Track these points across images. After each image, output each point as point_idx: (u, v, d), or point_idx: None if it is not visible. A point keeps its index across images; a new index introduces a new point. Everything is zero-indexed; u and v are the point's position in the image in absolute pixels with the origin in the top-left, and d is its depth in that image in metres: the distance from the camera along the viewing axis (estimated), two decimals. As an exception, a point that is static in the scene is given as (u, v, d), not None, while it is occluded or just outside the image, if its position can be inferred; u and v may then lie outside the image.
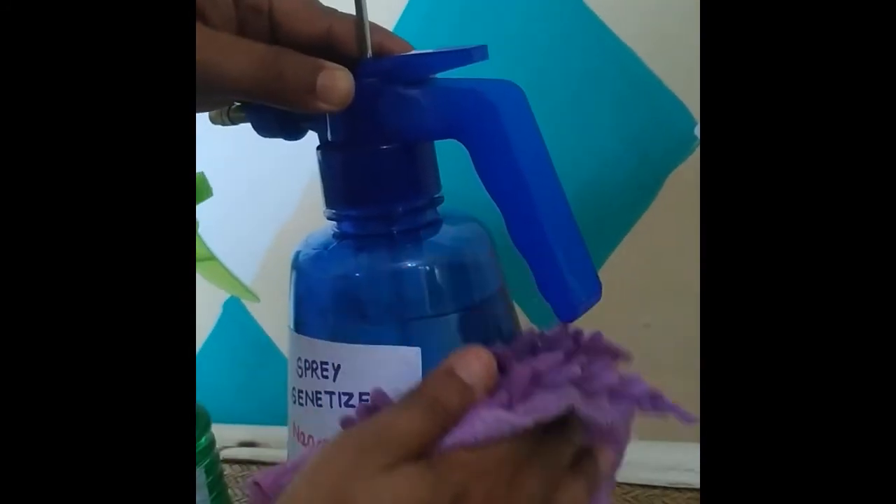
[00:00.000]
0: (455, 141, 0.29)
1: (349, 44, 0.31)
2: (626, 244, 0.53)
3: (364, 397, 0.30)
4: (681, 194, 0.51)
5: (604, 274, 0.30)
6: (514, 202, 0.28)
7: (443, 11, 0.53)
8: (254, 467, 0.59)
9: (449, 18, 0.53)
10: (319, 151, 0.32)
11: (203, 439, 0.45)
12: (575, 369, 0.27)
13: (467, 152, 0.29)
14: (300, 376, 0.32)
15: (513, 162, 0.28)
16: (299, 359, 0.32)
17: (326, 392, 0.31)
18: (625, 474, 0.49)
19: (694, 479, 0.49)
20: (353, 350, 0.31)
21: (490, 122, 0.28)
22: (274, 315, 0.64)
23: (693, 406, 0.25)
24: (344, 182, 0.32)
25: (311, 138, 0.33)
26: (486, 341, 0.33)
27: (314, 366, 0.32)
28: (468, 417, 0.25)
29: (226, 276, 0.49)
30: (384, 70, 0.30)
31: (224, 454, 0.58)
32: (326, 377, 0.31)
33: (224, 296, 0.65)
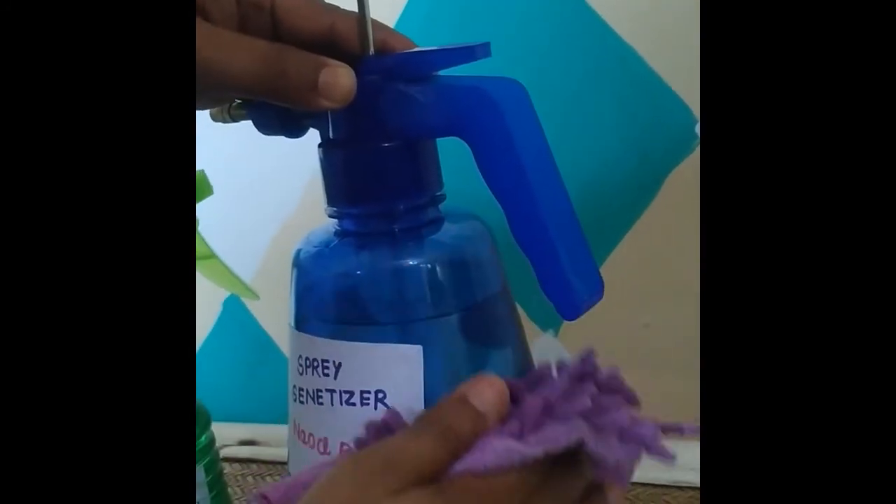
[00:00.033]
0: (456, 138, 0.29)
1: (351, 41, 0.31)
2: (626, 243, 0.53)
3: (365, 395, 0.30)
4: (681, 193, 0.51)
5: (604, 273, 0.30)
6: (516, 200, 0.28)
7: (444, 9, 0.53)
8: (254, 466, 0.59)
9: (450, 16, 0.53)
10: (321, 149, 0.32)
11: (203, 438, 0.45)
12: (585, 401, 0.27)
13: (469, 150, 0.29)
14: (301, 374, 0.32)
15: (515, 159, 0.28)
16: (300, 357, 0.32)
17: (327, 390, 0.31)
18: (626, 473, 0.49)
19: (696, 478, 0.49)
20: (354, 348, 0.31)
21: (493, 120, 0.28)
22: (274, 313, 0.64)
23: (693, 405, 0.25)
24: (345, 180, 0.32)
25: (313, 136, 0.33)
26: (488, 339, 0.33)
27: (315, 364, 0.31)
28: (479, 445, 0.25)
29: (226, 275, 0.49)
30: (386, 67, 0.30)
31: (224, 452, 0.58)
32: (327, 375, 0.31)
33: (224, 294, 0.65)
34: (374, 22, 0.31)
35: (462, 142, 0.29)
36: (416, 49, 0.31)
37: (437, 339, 0.31)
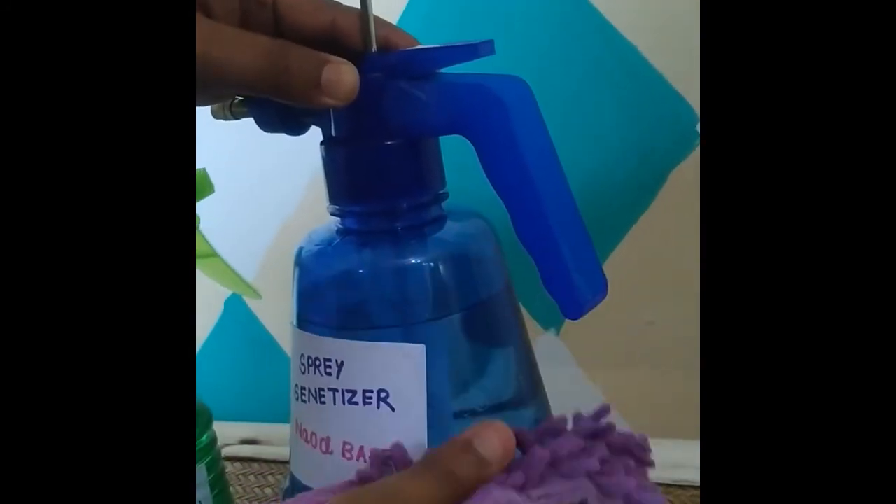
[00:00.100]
0: (459, 136, 0.29)
1: (353, 38, 0.31)
2: (628, 241, 0.53)
3: (368, 394, 0.30)
4: (684, 190, 0.51)
5: (607, 271, 0.30)
6: (520, 198, 0.28)
7: (446, 6, 0.53)
8: (255, 465, 0.59)
9: (451, 14, 0.53)
10: (323, 146, 0.32)
11: (204, 437, 0.45)
12: (594, 462, 0.26)
13: (472, 147, 0.29)
14: (303, 373, 0.32)
15: (519, 158, 0.28)
16: (302, 355, 0.32)
17: (330, 389, 0.31)
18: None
19: (697, 477, 0.49)
20: (356, 347, 0.31)
21: (497, 118, 0.28)
22: (276, 312, 0.64)
23: (696, 402, 0.25)
24: (347, 178, 0.32)
25: (315, 133, 0.33)
26: (491, 338, 0.33)
27: (317, 362, 0.31)
28: (480, 493, 0.25)
29: (228, 273, 0.49)
30: (389, 65, 0.30)
31: (226, 452, 0.58)
32: (330, 374, 0.31)
33: (226, 293, 0.65)
34: (377, 19, 0.31)
35: (465, 139, 0.29)
36: (418, 46, 0.31)
37: (440, 337, 0.31)
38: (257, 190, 0.62)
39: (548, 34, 0.51)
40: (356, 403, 0.30)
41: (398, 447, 0.27)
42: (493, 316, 0.33)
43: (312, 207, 0.60)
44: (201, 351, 0.67)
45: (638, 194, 0.52)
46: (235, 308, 0.66)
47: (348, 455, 0.31)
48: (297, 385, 0.33)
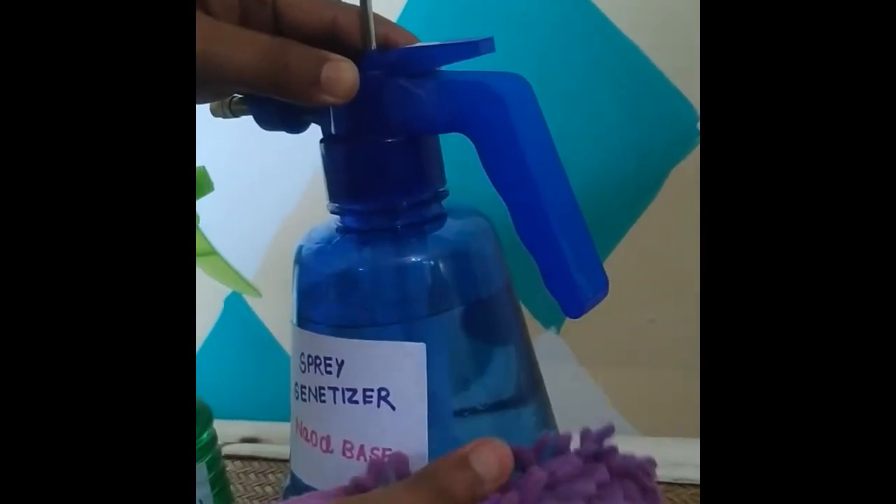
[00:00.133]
0: (459, 134, 0.29)
1: (353, 35, 0.31)
2: (629, 239, 0.53)
3: (368, 393, 0.30)
4: (684, 188, 0.51)
5: (607, 269, 0.30)
6: (520, 196, 0.28)
7: (446, 4, 0.53)
8: (256, 463, 0.59)
9: (451, 12, 0.53)
10: (322, 145, 0.32)
11: (205, 435, 0.45)
12: (591, 486, 0.26)
13: (472, 145, 0.29)
14: (303, 371, 0.32)
15: (520, 155, 0.28)
16: (302, 354, 0.32)
17: (330, 387, 0.31)
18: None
19: (697, 475, 0.49)
20: (357, 345, 0.31)
21: (497, 115, 0.28)
22: (276, 311, 0.64)
23: (697, 401, 0.25)
24: (347, 176, 0.32)
25: (315, 131, 0.33)
26: (491, 336, 0.33)
27: (317, 361, 0.31)
28: None
29: (228, 271, 0.49)
30: (389, 62, 0.30)
31: (226, 450, 0.58)
32: (330, 373, 0.31)
33: (226, 291, 0.65)
34: (377, 16, 0.31)
35: (465, 137, 0.29)
36: (418, 44, 0.31)
37: (440, 336, 0.31)
38: (257, 188, 0.62)
39: (548, 32, 0.51)
40: (356, 402, 0.30)
41: (397, 456, 0.27)
42: (494, 314, 0.33)
43: (312, 206, 0.60)
44: (201, 349, 0.67)
45: (638, 192, 0.52)
46: (235, 307, 0.66)
47: (349, 454, 0.31)
48: (297, 384, 0.33)
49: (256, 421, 0.63)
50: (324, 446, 0.31)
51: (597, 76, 0.51)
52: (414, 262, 0.31)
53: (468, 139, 0.29)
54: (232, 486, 0.50)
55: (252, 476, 0.57)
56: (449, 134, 0.30)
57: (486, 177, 0.29)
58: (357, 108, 0.29)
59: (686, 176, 0.51)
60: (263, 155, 0.60)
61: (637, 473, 0.27)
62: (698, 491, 0.49)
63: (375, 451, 0.30)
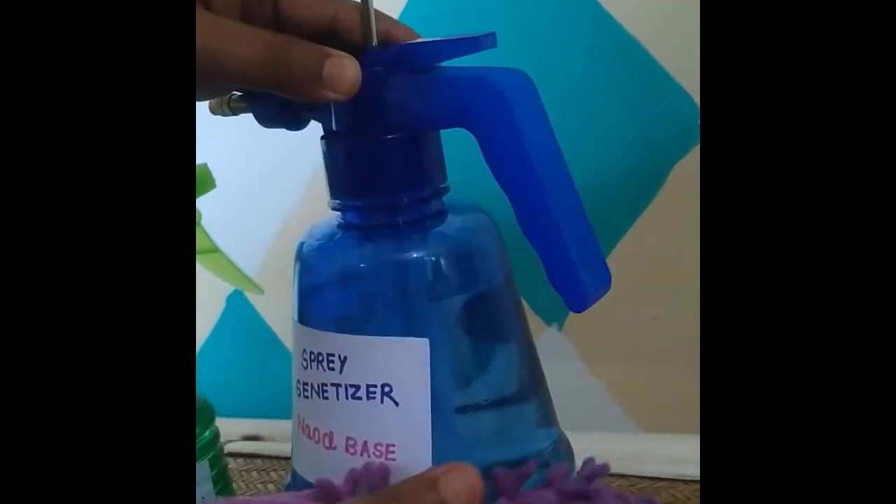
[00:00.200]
0: (460, 130, 0.29)
1: (354, 31, 0.31)
2: (631, 235, 0.53)
3: (371, 389, 0.30)
4: (687, 185, 0.51)
5: (609, 265, 0.30)
6: (523, 191, 0.28)
7: (447, 1, 0.53)
8: (258, 461, 0.59)
9: (453, 7, 0.53)
10: (324, 141, 0.32)
11: (207, 432, 0.45)
12: None
13: (473, 141, 0.29)
14: (305, 368, 0.32)
15: (522, 150, 0.28)
16: (304, 351, 0.32)
17: (333, 384, 0.31)
18: (632, 466, 0.49)
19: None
20: (360, 341, 0.31)
21: (499, 110, 0.28)
22: (278, 308, 0.64)
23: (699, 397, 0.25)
24: (348, 172, 0.32)
25: (316, 129, 0.33)
26: (493, 333, 0.33)
27: (320, 358, 0.31)
28: None
29: (230, 269, 0.49)
30: (390, 58, 0.30)
31: (228, 448, 0.58)
32: (333, 369, 0.31)
33: (228, 290, 0.65)
34: (378, 12, 0.31)
35: (465, 133, 0.29)
36: (419, 40, 0.31)
37: (442, 332, 0.31)
38: (259, 186, 0.62)
39: (549, 28, 0.51)
40: (360, 398, 0.30)
41: (379, 468, 0.27)
42: (495, 310, 0.33)
43: (315, 202, 0.60)
44: (203, 348, 0.67)
45: (641, 189, 0.52)
46: (237, 304, 0.66)
47: (352, 450, 0.30)
48: (299, 381, 0.33)
49: (259, 419, 0.63)
50: (327, 443, 0.31)
51: (598, 72, 0.51)
52: (415, 258, 0.31)
53: (469, 136, 0.29)
54: (234, 484, 0.50)
55: (254, 474, 0.57)
56: (450, 130, 0.30)
57: (488, 173, 0.29)
58: (358, 105, 0.29)
59: (688, 172, 0.51)
60: (264, 153, 0.60)
61: None
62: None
63: (379, 447, 0.30)
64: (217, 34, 0.28)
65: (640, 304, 0.53)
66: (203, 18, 0.28)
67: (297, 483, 0.33)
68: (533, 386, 0.34)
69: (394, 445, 0.30)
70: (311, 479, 0.32)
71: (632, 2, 0.49)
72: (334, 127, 0.31)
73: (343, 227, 0.33)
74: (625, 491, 0.49)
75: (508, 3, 0.51)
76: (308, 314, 0.33)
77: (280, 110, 0.32)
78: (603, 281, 0.29)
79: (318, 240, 0.33)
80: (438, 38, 0.30)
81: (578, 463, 0.29)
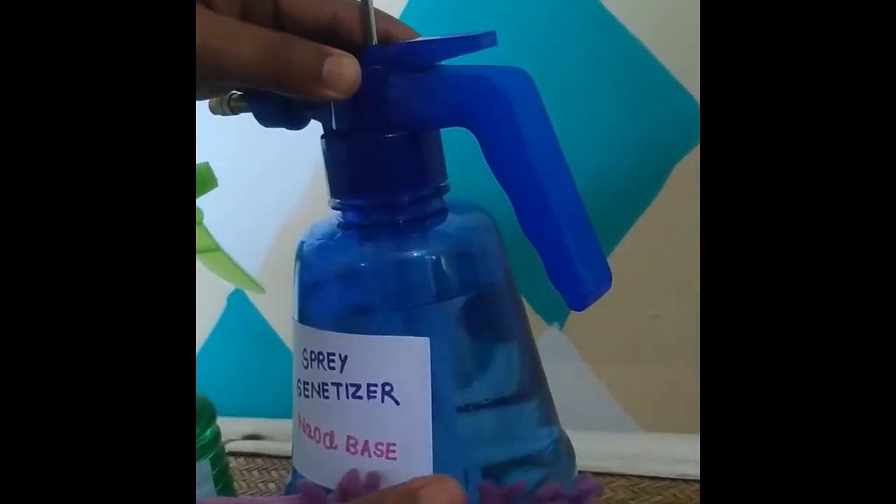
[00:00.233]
0: (460, 129, 0.29)
1: (354, 30, 0.31)
2: (632, 235, 0.53)
3: (372, 388, 0.30)
4: (688, 184, 0.51)
5: (611, 264, 0.30)
6: (524, 189, 0.28)
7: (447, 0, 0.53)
8: (259, 460, 0.59)
9: (453, 7, 0.53)
10: (324, 140, 0.32)
11: (208, 432, 0.45)
12: None
13: (473, 140, 0.29)
14: (306, 368, 0.32)
15: (523, 148, 0.28)
16: (304, 350, 0.32)
17: (333, 383, 0.31)
18: (633, 466, 0.49)
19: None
20: (360, 341, 0.31)
21: (499, 109, 0.28)
22: (279, 307, 0.64)
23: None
24: (349, 171, 0.31)
25: (316, 128, 0.33)
26: (494, 332, 0.33)
27: (320, 357, 0.31)
28: None
29: (231, 268, 0.49)
30: (390, 57, 0.30)
31: (229, 447, 0.58)
32: (333, 368, 0.31)
33: (229, 288, 0.65)
34: (377, 11, 0.31)
35: (465, 132, 0.29)
36: (419, 38, 0.31)
37: (442, 331, 0.31)
38: (259, 185, 0.62)
39: (549, 28, 0.51)
40: (360, 397, 0.30)
41: (371, 477, 0.27)
42: (495, 309, 0.33)
43: (315, 202, 0.60)
44: (204, 347, 0.67)
45: (641, 189, 0.52)
46: (238, 304, 0.66)
47: (353, 449, 0.30)
48: (299, 380, 0.33)
49: (259, 418, 0.63)
50: (327, 442, 0.31)
51: (599, 72, 0.51)
52: (415, 257, 0.31)
53: (469, 135, 0.29)
54: (235, 483, 0.50)
55: (255, 473, 0.57)
56: (450, 129, 0.30)
57: (488, 172, 0.29)
58: (358, 103, 0.29)
59: (689, 172, 0.50)
60: (264, 152, 0.60)
61: None
62: (701, 487, 0.49)
63: (379, 447, 0.30)
64: (217, 33, 0.28)
65: (641, 304, 0.53)
66: (203, 17, 0.28)
67: (298, 482, 0.33)
68: (533, 385, 0.34)
69: (394, 445, 0.30)
70: (312, 478, 0.32)
71: (633, 1, 0.49)
72: (334, 126, 0.31)
73: (343, 226, 0.33)
74: (626, 491, 0.49)
75: (509, 2, 0.51)
76: (308, 313, 0.33)
77: (280, 109, 0.32)
78: (603, 279, 0.29)
79: (318, 239, 0.33)
80: (438, 37, 0.30)
81: (579, 463, 0.29)
